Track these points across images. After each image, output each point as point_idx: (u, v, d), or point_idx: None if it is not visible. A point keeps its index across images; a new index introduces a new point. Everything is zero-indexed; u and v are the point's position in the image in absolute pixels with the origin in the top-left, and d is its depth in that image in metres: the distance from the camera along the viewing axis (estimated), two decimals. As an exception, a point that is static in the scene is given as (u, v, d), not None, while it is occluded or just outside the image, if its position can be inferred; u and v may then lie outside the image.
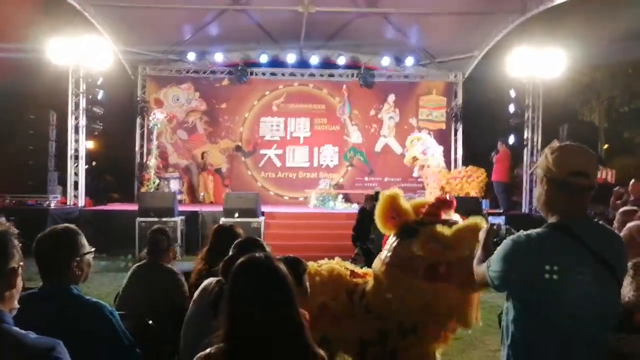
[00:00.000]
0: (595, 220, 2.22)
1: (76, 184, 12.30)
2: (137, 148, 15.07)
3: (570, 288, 1.94)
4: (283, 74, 15.39)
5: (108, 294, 6.48)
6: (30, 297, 2.21)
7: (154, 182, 13.47)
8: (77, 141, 12.37)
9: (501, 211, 12.07)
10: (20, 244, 1.75)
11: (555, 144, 2.16)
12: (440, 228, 3.41)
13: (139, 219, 10.34)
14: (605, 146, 19.28)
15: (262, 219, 10.93)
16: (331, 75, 15.45)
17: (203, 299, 2.79)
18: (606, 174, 12.08)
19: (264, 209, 11.75)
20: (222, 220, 9.96)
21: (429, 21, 13.41)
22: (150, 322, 3.03)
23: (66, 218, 10.52)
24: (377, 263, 3.68)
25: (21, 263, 1.73)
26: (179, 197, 12.87)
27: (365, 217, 8.59)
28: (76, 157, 12.34)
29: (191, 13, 12.98)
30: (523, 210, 13.00)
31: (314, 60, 15.02)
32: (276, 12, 12.99)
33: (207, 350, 1.80)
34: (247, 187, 14.38)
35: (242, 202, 10.89)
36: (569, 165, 2.04)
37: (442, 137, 14.87)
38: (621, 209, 4.64)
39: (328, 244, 10.05)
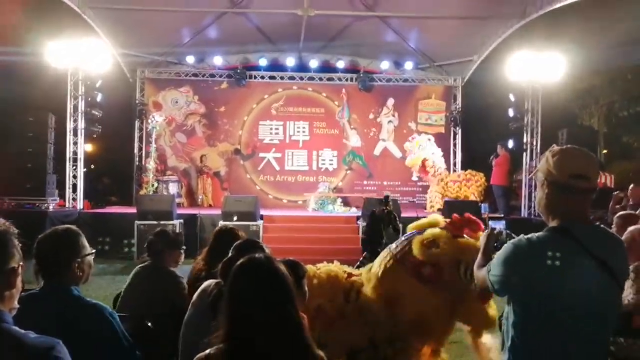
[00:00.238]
0: (597, 223, 2.21)
1: (75, 186, 12.32)
2: (135, 151, 15.03)
3: (571, 292, 1.93)
4: (282, 78, 15.39)
5: (106, 296, 6.41)
6: (30, 297, 2.20)
7: (152, 185, 13.43)
8: (75, 144, 12.39)
9: (502, 215, 12.06)
10: (20, 245, 1.74)
11: (556, 147, 2.15)
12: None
13: (137, 222, 10.36)
14: (605, 151, 19.29)
15: (260, 222, 10.96)
16: (330, 79, 15.44)
17: (202, 300, 2.78)
18: (605, 179, 12.07)
19: (263, 212, 11.75)
20: (221, 223, 9.95)
21: (428, 25, 13.42)
22: (149, 324, 3.04)
23: (65, 221, 10.48)
24: (386, 255, 3.66)
25: (21, 263, 1.72)
26: (177, 200, 12.85)
27: (375, 220, 8.60)
28: (75, 160, 12.35)
29: (190, 16, 12.97)
30: (522, 215, 13.01)
31: (313, 63, 15.07)
32: (275, 16, 12.97)
33: (207, 351, 1.80)
34: (245, 190, 14.33)
35: (241, 205, 10.89)
36: (570, 168, 2.03)
37: (441, 141, 14.86)
38: (619, 213, 4.66)
39: (327, 247, 10.02)
